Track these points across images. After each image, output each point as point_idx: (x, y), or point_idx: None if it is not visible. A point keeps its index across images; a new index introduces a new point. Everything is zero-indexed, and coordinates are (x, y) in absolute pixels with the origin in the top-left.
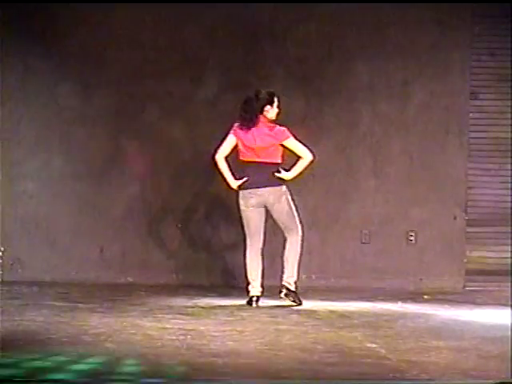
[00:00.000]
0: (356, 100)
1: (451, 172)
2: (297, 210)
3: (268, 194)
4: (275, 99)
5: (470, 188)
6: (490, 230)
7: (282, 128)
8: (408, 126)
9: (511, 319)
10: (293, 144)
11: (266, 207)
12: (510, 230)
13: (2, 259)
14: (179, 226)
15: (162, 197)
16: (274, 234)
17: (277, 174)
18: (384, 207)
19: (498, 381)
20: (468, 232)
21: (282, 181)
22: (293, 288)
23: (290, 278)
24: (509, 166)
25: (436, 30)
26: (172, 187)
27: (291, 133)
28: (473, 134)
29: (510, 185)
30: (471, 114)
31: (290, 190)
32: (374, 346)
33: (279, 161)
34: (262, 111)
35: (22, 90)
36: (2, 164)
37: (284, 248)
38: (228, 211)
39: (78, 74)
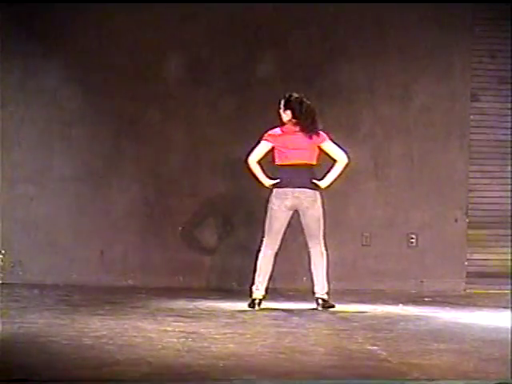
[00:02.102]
0: (357, 102)
1: (452, 174)
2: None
3: (304, 196)
4: None
5: (470, 190)
6: (491, 232)
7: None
8: (409, 129)
9: None
10: (330, 146)
11: (297, 211)
12: (510, 233)
13: (2, 261)
14: (180, 228)
15: (163, 199)
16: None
17: (314, 181)
18: (385, 209)
19: (498, 381)
20: (469, 234)
21: (317, 187)
22: (327, 298)
23: (322, 289)
24: (509, 168)
25: (437, 33)
26: (173, 189)
27: (328, 136)
28: (474, 137)
29: (510, 187)
30: (472, 117)
31: (323, 198)
32: (375, 348)
33: (314, 162)
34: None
35: (22, 92)
36: (2, 166)
37: (309, 260)
38: (229, 214)
39: (78, 75)
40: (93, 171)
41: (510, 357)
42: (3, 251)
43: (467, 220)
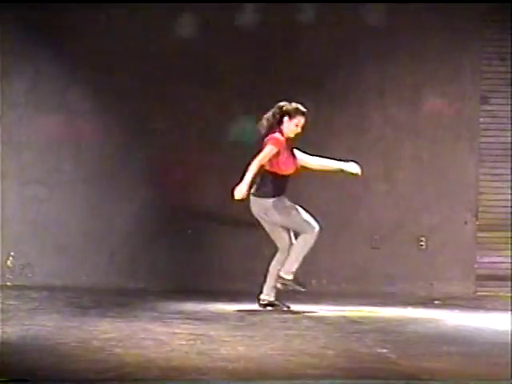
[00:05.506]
0: (367, 104)
1: (462, 177)
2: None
3: (251, 204)
4: (294, 114)
5: (480, 193)
6: (501, 235)
7: (274, 135)
8: (419, 131)
9: None
10: (262, 152)
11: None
12: None
13: (12, 263)
14: (189, 231)
15: (173, 202)
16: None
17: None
18: (395, 212)
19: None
20: (479, 237)
21: (263, 193)
22: (289, 277)
23: (287, 268)
24: None
25: (446, 35)
26: (182, 192)
27: (277, 145)
28: (483, 139)
29: None
30: (482, 119)
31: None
32: (385, 351)
33: (268, 168)
34: (279, 122)
35: (32, 95)
36: (12, 168)
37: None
38: (239, 217)
39: (88, 78)
40: (102, 173)
41: None
42: (13, 253)
43: (477, 222)
